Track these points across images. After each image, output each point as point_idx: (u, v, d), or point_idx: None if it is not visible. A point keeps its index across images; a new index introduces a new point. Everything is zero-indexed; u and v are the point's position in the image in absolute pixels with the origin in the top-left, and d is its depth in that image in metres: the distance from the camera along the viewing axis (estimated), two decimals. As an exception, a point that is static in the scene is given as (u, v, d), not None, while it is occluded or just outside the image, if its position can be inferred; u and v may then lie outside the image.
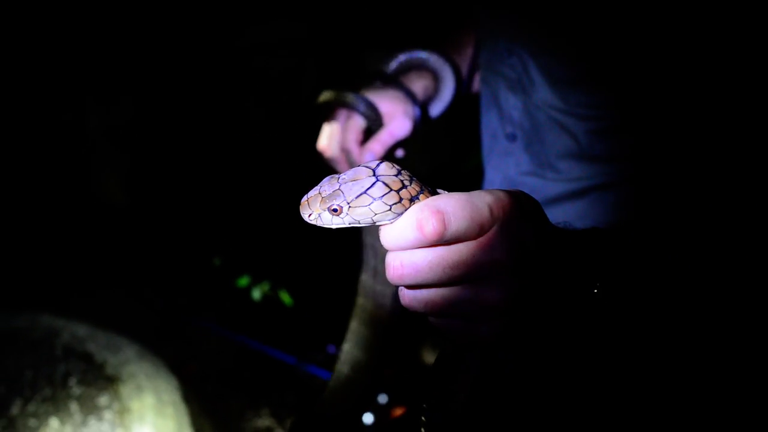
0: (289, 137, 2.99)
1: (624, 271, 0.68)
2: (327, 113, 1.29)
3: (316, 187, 0.66)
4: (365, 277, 1.26)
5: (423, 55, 1.32)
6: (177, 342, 2.34)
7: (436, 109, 1.34)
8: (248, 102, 3.09)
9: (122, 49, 2.86)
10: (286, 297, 2.59)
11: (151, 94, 2.99)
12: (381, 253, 1.20)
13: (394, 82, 1.27)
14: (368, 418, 1.76)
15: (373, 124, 1.24)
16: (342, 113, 1.26)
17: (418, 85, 1.29)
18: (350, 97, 1.23)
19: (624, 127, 1.09)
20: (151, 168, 3.04)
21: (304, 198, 0.66)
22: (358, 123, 1.24)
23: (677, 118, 1.03)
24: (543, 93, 1.13)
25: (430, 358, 2.12)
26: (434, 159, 2.87)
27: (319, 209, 0.64)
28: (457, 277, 0.61)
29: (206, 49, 2.97)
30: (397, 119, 1.22)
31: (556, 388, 0.86)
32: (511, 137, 1.23)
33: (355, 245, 1.31)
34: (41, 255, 2.68)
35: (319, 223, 0.65)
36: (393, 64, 1.32)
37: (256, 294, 2.61)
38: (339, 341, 2.35)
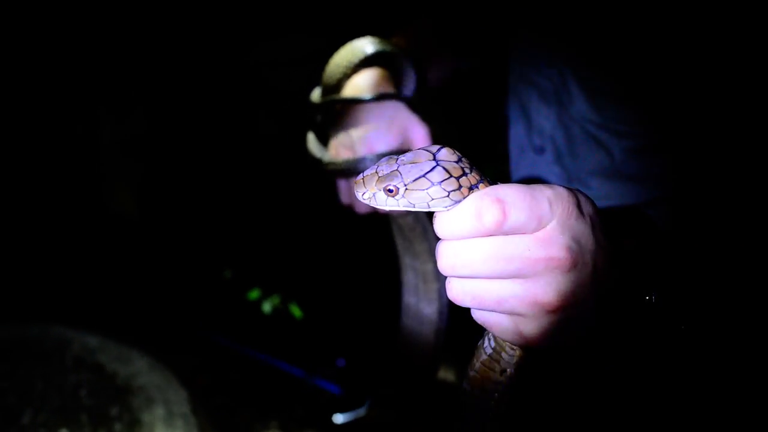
0: (302, 152, 2.99)
1: (680, 278, 0.67)
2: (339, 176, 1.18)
3: (372, 167, 0.64)
4: (408, 299, 1.24)
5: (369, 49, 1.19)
6: (187, 354, 2.34)
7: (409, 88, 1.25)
8: (259, 116, 3.10)
9: (135, 62, 2.88)
10: (296, 310, 2.58)
11: (164, 106, 3.01)
12: (421, 271, 1.18)
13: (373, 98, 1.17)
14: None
15: None
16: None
17: (366, 84, 1.18)
18: (363, 163, 1.12)
19: (661, 147, 1.07)
20: (163, 180, 3.05)
21: (360, 176, 0.64)
22: None
23: (715, 139, 1.02)
24: (580, 106, 1.11)
25: (447, 375, 2.11)
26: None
27: (374, 188, 0.63)
28: (509, 271, 0.60)
29: (219, 63, 2.99)
30: (416, 138, 1.15)
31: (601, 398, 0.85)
32: (539, 150, 1.21)
33: (366, 261, 1.30)
34: (53, 266, 2.69)
35: (372, 203, 0.64)
36: (337, 78, 1.20)
37: (267, 307, 2.61)
38: (349, 355, 2.35)
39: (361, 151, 1.13)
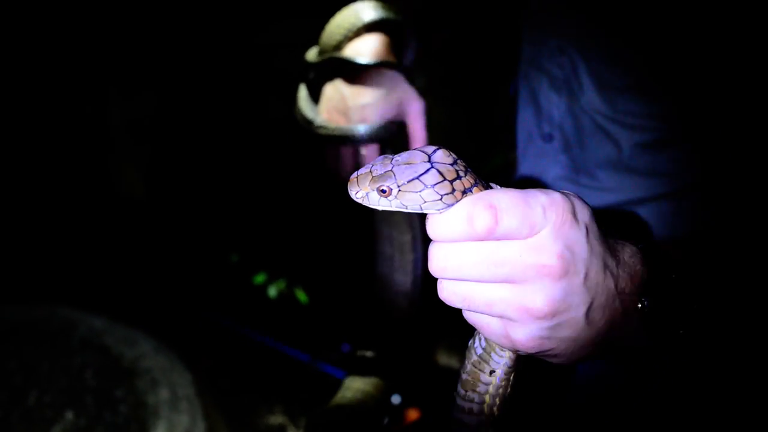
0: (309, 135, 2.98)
1: (675, 287, 0.66)
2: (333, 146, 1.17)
3: (367, 165, 0.64)
4: (382, 270, 1.23)
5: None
6: (192, 337, 2.35)
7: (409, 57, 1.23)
8: (269, 98, 3.09)
9: (146, 43, 2.87)
10: (302, 295, 2.59)
11: (173, 88, 3.00)
12: (397, 242, 1.18)
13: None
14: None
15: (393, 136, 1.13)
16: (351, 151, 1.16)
17: (368, 49, 1.16)
18: (355, 132, 1.10)
19: (671, 141, 1.06)
20: (171, 162, 3.05)
21: (354, 175, 0.64)
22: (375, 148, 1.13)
23: (726, 135, 1.01)
24: (591, 97, 1.10)
25: (444, 359, 2.11)
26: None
27: (367, 188, 0.63)
28: (500, 276, 0.60)
29: (229, 45, 2.98)
30: (411, 111, 1.14)
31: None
32: (548, 137, 1.20)
33: (372, 246, 1.29)
34: (60, 248, 2.70)
35: (365, 203, 0.64)
36: (337, 40, 1.17)
37: (272, 291, 2.61)
38: (353, 340, 2.34)
39: (355, 118, 1.11)
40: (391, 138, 1.13)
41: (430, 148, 0.64)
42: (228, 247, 2.80)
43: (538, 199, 0.59)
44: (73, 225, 2.78)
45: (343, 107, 1.13)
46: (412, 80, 1.16)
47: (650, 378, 0.92)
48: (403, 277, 1.21)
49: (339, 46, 1.17)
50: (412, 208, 0.62)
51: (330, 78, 1.17)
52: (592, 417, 1.01)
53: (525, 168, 1.26)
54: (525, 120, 1.25)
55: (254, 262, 2.72)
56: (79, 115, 2.86)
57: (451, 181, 0.61)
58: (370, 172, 0.63)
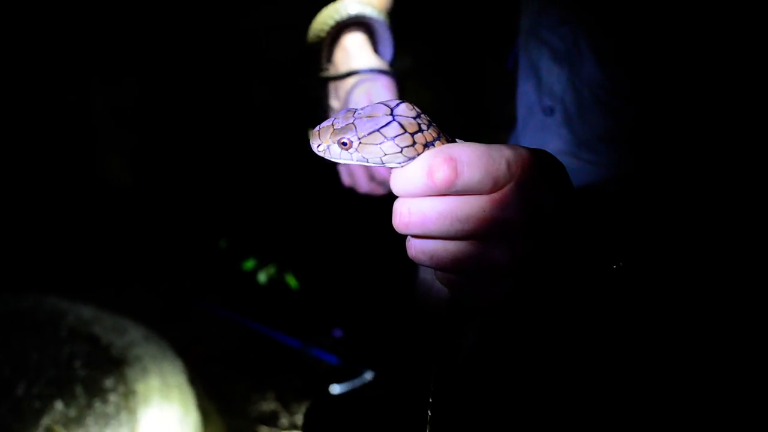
0: (296, 120, 2.97)
1: (652, 251, 0.65)
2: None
3: (330, 119, 0.63)
4: (426, 275, 1.23)
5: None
6: (183, 325, 2.34)
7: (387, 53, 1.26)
8: (254, 83, 3.06)
9: (127, 29, 2.83)
10: (292, 280, 2.57)
11: (157, 74, 2.97)
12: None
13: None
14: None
15: None
16: None
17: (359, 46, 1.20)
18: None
19: (669, 115, 1.05)
20: (156, 149, 3.02)
21: (317, 128, 0.63)
22: None
23: (729, 112, 0.99)
24: (591, 69, 1.08)
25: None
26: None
27: (329, 141, 0.62)
28: (465, 232, 0.58)
29: (213, 29, 2.95)
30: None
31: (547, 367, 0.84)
32: (549, 111, 1.18)
33: (362, 231, 1.29)
34: (45, 237, 2.67)
35: (327, 156, 0.63)
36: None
37: (262, 277, 2.60)
38: (344, 325, 2.34)
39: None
40: None
41: (394, 102, 0.63)
42: (217, 234, 2.79)
43: (502, 152, 0.57)
44: (60, 214, 2.75)
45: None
46: (397, 81, 1.18)
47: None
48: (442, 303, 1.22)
49: (323, 41, 1.20)
50: (373, 161, 0.61)
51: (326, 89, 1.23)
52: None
53: (525, 141, 1.24)
54: (525, 93, 1.23)
55: (243, 248, 2.71)
56: (62, 104, 2.83)
57: (412, 134, 0.60)
58: (332, 125, 0.62)
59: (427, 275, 1.22)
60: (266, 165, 2.98)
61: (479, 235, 0.58)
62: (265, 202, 2.90)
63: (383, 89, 1.16)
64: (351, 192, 1.23)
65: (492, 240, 0.59)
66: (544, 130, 1.20)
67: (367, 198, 1.24)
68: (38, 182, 2.79)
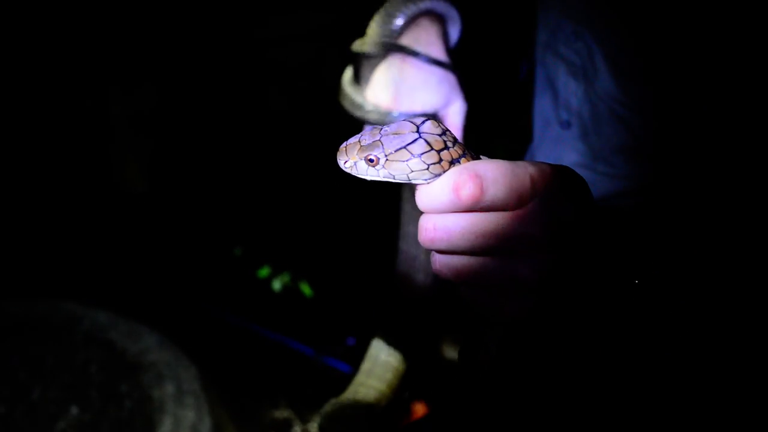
0: (312, 127, 2.97)
1: (672, 267, 0.65)
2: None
3: (356, 136, 0.65)
4: (404, 268, 1.23)
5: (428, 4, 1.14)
6: (197, 331, 2.34)
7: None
8: (269, 92, 3.07)
9: (145, 36, 2.86)
10: (306, 289, 2.57)
11: (174, 81, 2.99)
12: (416, 217, 1.17)
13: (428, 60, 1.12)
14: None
15: None
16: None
17: (426, 40, 1.14)
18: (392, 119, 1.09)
19: (684, 127, 1.04)
20: (173, 156, 3.04)
21: (343, 145, 0.64)
22: None
23: (742, 123, 0.99)
24: (606, 83, 1.09)
25: (450, 353, 2.10)
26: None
27: (355, 157, 0.63)
28: (489, 247, 0.59)
29: (228, 38, 2.96)
30: (453, 110, 1.14)
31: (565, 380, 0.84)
32: (566, 124, 1.18)
33: (377, 239, 1.29)
34: (63, 242, 2.69)
35: (353, 172, 0.64)
36: (398, 22, 1.13)
37: (277, 285, 2.60)
38: (359, 334, 2.33)
39: (404, 104, 1.10)
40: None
41: (419, 119, 0.64)
42: (231, 241, 2.79)
43: (526, 169, 0.58)
44: (76, 220, 2.77)
45: (395, 91, 1.12)
46: (460, 79, 1.15)
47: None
48: (424, 278, 1.21)
49: (396, 32, 1.13)
50: (400, 178, 0.62)
51: (383, 63, 1.15)
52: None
53: (542, 154, 1.25)
54: (542, 106, 1.24)
55: (258, 255, 2.71)
56: (80, 110, 2.85)
57: (439, 151, 0.61)
58: (359, 141, 0.64)
59: (410, 248, 1.22)
60: (281, 173, 2.99)
61: (503, 250, 0.60)
62: (280, 210, 2.91)
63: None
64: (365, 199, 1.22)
65: (515, 255, 0.60)
66: (560, 143, 1.20)
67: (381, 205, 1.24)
68: (55, 188, 2.81)
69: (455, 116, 1.15)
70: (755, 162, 0.99)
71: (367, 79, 1.16)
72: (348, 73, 1.19)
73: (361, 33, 1.19)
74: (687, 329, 0.70)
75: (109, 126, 2.92)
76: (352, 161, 0.63)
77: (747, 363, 0.74)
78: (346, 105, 1.15)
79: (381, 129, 0.64)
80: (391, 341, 1.27)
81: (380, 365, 1.21)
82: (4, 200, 2.66)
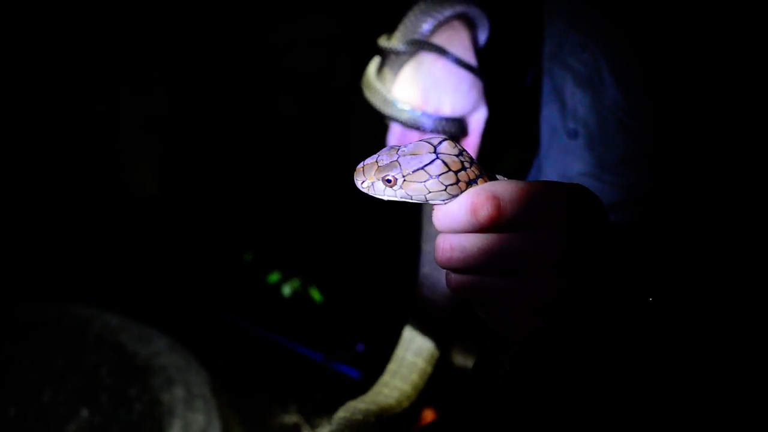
0: (322, 133, 2.98)
1: (685, 285, 0.65)
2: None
3: (374, 156, 0.65)
4: (426, 269, 1.22)
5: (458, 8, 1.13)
6: (207, 335, 2.34)
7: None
8: (279, 97, 3.08)
9: (157, 41, 2.87)
10: (316, 294, 2.57)
11: (185, 86, 3.00)
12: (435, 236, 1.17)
13: (456, 61, 1.10)
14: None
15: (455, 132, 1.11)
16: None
17: (459, 43, 1.14)
18: (420, 120, 1.08)
19: (689, 137, 1.04)
20: (184, 161, 3.05)
21: (360, 165, 0.65)
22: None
23: (746, 133, 0.99)
24: (612, 94, 1.09)
25: (460, 360, 2.09)
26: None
27: (373, 177, 0.64)
28: (504, 267, 0.60)
29: (239, 44, 2.98)
30: (476, 117, 1.14)
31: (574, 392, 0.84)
32: (573, 134, 1.18)
33: (387, 245, 1.28)
34: (74, 246, 2.70)
35: (371, 192, 0.65)
36: (426, 27, 1.12)
37: (287, 290, 2.60)
38: (368, 340, 2.33)
39: (431, 104, 1.09)
40: (454, 134, 1.11)
41: (437, 139, 0.64)
42: (242, 246, 2.80)
43: (542, 190, 0.59)
44: (87, 223, 2.78)
45: (424, 88, 1.11)
46: (486, 87, 1.15)
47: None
48: (447, 302, 1.21)
49: (427, 32, 1.12)
50: (417, 198, 0.62)
51: (411, 61, 1.14)
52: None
53: (549, 164, 1.24)
54: (550, 116, 1.24)
55: (268, 260, 2.71)
56: (91, 114, 2.86)
57: (456, 172, 0.61)
58: (376, 162, 0.64)
59: (432, 271, 1.22)
60: (292, 178, 3.00)
61: (518, 270, 0.60)
62: (291, 215, 2.92)
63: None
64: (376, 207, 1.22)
65: (530, 275, 0.60)
66: (567, 153, 1.20)
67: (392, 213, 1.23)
68: (66, 192, 2.82)
69: (478, 123, 1.16)
70: (759, 168, 0.98)
71: (392, 77, 1.15)
72: (372, 68, 1.18)
73: (372, 39, 1.18)
74: (687, 329, 0.70)
75: (120, 130, 2.94)
76: (370, 181, 0.64)
77: (747, 363, 0.74)
78: (375, 101, 1.13)
79: (398, 149, 0.64)
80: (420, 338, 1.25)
81: (406, 366, 1.21)
82: (17, 204, 2.67)
